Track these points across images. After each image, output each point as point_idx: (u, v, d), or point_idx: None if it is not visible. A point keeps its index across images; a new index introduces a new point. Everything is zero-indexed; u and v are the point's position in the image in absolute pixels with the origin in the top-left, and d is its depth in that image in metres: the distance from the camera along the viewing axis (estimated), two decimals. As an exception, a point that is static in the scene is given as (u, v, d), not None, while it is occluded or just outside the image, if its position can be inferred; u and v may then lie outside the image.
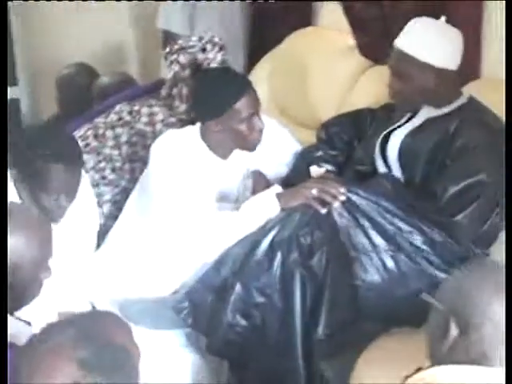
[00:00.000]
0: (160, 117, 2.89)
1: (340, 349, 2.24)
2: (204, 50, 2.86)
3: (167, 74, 2.93)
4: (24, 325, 1.72)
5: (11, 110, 4.13)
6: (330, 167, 2.65)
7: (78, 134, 2.92)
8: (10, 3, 4.01)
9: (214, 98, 2.39)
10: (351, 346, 2.25)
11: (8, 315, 1.68)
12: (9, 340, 1.61)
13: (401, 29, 2.80)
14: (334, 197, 2.26)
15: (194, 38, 2.92)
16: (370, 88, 3.18)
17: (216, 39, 2.90)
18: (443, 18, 2.47)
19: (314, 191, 2.28)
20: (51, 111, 3.74)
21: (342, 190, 2.27)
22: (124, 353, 1.29)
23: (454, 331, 1.46)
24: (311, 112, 3.37)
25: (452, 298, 1.51)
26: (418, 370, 1.49)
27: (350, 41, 3.31)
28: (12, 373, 1.29)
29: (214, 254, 2.34)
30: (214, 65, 2.84)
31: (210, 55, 2.85)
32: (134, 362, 1.31)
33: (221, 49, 2.88)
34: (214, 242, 2.33)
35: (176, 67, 2.86)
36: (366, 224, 2.26)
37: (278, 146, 2.67)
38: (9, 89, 4.17)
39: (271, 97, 3.63)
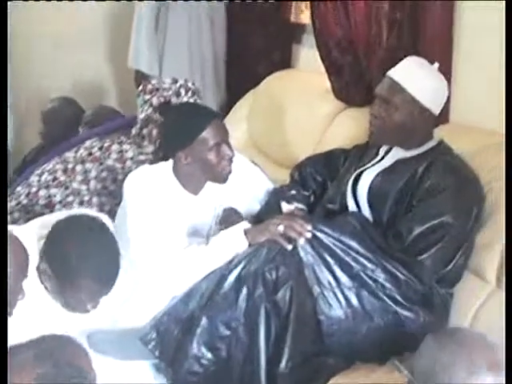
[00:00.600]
0: (130, 154, 2.98)
1: (303, 382, 2.30)
2: (178, 94, 2.97)
3: (139, 112, 3.03)
4: None
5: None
6: (300, 206, 2.76)
7: (46, 167, 3.01)
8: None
9: (181, 129, 2.49)
10: (314, 380, 2.31)
11: None
12: None
13: (374, 74, 2.95)
14: (300, 234, 2.33)
15: (168, 81, 3.03)
16: (344, 129, 3.30)
17: (189, 84, 3.01)
18: (436, 65, 2.60)
19: (281, 227, 2.36)
20: (32, 145, 3.82)
21: (308, 227, 2.34)
22: (82, 374, 1.39)
23: None
24: (288, 151, 3.48)
25: (425, 371, 1.55)
26: None
27: (327, 83, 3.44)
28: None
29: (182, 288, 2.41)
30: None
31: (185, 99, 2.97)
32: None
33: (194, 94, 2.99)
34: (183, 276, 2.41)
35: (149, 110, 2.96)
36: (331, 261, 2.33)
37: (250, 183, 2.77)
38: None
39: (249, 136, 3.75)
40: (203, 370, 2.33)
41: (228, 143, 2.54)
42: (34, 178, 3.01)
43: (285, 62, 3.87)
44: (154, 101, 2.97)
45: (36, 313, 2.28)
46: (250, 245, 2.39)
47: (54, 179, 2.95)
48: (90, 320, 2.50)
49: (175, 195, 2.55)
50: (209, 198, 2.63)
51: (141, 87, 3.04)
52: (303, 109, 3.47)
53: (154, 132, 2.97)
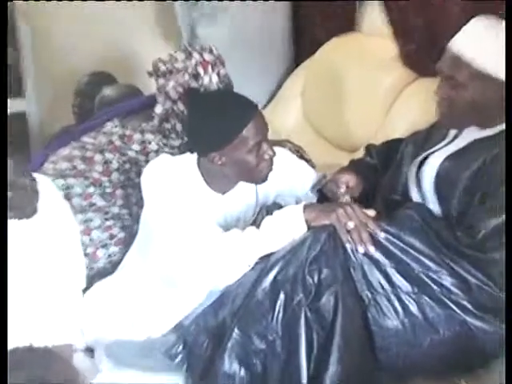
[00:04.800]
0: (154, 147, 2.92)
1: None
2: (197, 76, 2.85)
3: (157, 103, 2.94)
4: None
5: (18, 123, 4.29)
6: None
7: (62, 152, 2.98)
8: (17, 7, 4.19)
9: (217, 126, 2.37)
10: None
11: None
12: None
13: (450, 36, 2.83)
14: (371, 239, 2.24)
15: (181, 56, 2.88)
16: (415, 103, 3.19)
17: (206, 56, 2.87)
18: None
19: (351, 224, 2.25)
20: (59, 123, 3.83)
21: (382, 234, 2.25)
22: None
23: None
24: (346, 131, 3.40)
25: None
26: None
27: (394, 50, 3.33)
28: None
29: (222, 281, 2.35)
30: (212, 87, 2.84)
31: (205, 80, 2.85)
32: None
33: (215, 65, 2.87)
34: (224, 264, 2.33)
35: (167, 103, 2.87)
36: (386, 261, 2.24)
37: (291, 180, 2.67)
38: (15, 101, 4.35)
39: (304, 113, 3.67)
40: (236, 389, 2.29)
41: (268, 140, 2.44)
42: (48, 166, 2.97)
43: (347, 24, 3.76)
44: (171, 92, 2.86)
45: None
46: (309, 228, 2.29)
47: (73, 168, 2.92)
48: (106, 329, 2.50)
49: (198, 192, 2.47)
50: (239, 196, 2.55)
51: (151, 68, 2.95)
52: (365, 80, 3.37)
53: (178, 127, 2.88)
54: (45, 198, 2.38)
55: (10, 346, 1.42)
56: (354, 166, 2.73)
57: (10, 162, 2.23)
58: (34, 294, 2.35)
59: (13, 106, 4.32)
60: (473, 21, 2.48)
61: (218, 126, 2.37)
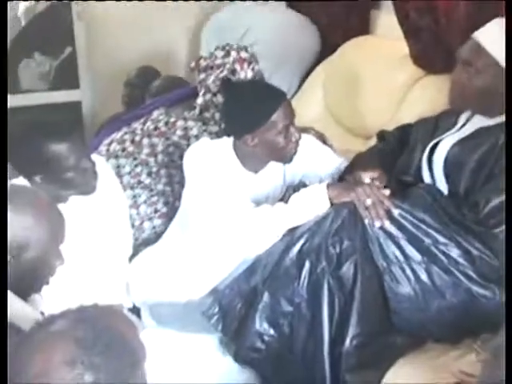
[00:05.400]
0: (194, 132, 2.89)
1: (368, 361, 2.16)
2: (234, 71, 2.82)
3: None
4: (35, 313, 1.74)
5: (74, 112, 4.26)
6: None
7: (115, 136, 2.96)
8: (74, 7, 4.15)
9: (250, 112, 2.34)
10: (380, 360, 2.17)
11: (20, 300, 1.70)
12: (16, 325, 1.64)
13: (454, 37, 2.74)
14: (386, 215, 2.17)
15: (220, 53, 2.87)
16: (424, 97, 3.11)
17: (243, 54, 2.84)
18: None
19: (369, 201, 2.18)
20: (111, 112, 3.79)
21: (396, 210, 2.18)
22: (123, 340, 1.31)
23: None
24: (364, 121, 3.32)
25: None
26: None
27: (405, 50, 3.25)
28: (14, 357, 1.30)
29: (254, 250, 2.30)
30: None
31: (241, 75, 2.82)
32: (134, 353, 1.32)
33: (250, 64, 2.83)
34: (256, 235, 2.29)
35: (207, 95, 2.84)
36: (399, 234, 2.17)
37: (316, 162, 2.60)
38: (71, 91, 4.31)
39: (325, 105, 3.61)
40: (265, 346, 2.23)
41: (295, 125, 2.41)
42: (102, 148, 2.97)
43: (362, 28, 3.68)
44: (211, 85, 2.84)
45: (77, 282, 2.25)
46: (331, 204, 2.23)
47: (123, 149, 2.91)
48: (150, 291, 2.46)
49: (234, 172, 2.43)
50: (269, 176, 2.50)
51: (193, 64, 2.93)
52: (380, 76, 3.28)
53: (217, 116, 2.84)
54: (102, 178, 2.35)
55: (74, 304, 1.35)
56: (376, 156, 2.62)
57: (67, 147, 2.21)
58: (90, 260, 2.32)
59: (69, 96, 4.30)
60: (498, 19, 2.43)
61: (250, 111, 2.35)
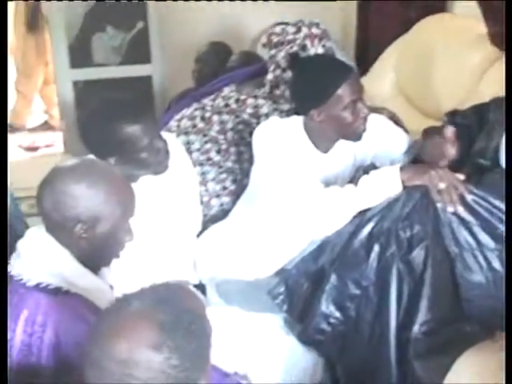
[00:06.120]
0: (265, 110, 2.86)
1: (437, 349, 2.09)
2: (304, 47, 2.77)
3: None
4: (105, 287, 1.75)
5: (144, 87, 4.27)
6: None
7: (186, 112, 2.94)
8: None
9: (315, 86, 2.28)
10: (450, 349, 2.10)
11: (91, 274, 1.71)
12: (90, 300, 1.64)
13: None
14: (459, 200, 2.11)
15: (291, 30, 2.83)
16: (500, 80, 3.01)
17: (314, 30, 2.79)
18: None
19: (442, 185, 2.11)
20: (181, 88, 3.79)
21: (469, 196, 2.11)
22: (200, 320, 1.32)
23: None
24: (437, 102, 3.24)
25: None
26: None
27: (481, 29, 3.14)
28: (93, 337, 1.30)
29: (323, 231, 2.25)
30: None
31: (312, 51, 2.77)
32: (207, 332, 1.33)
33: (321, 40, 2.78)
34: (325, 216, 2.23)
35: (277, 71, 2.80)
36: (472, 220, 2.11)
37: (387, 142, 2.52)
38: (142, 66, 4.33)
39: (398, 85, 3.53)
40: (331, 328, 2.20)
41: (363, 101, 2.33)
42: (173, 124, 2.96)
43: (439, 5, 3.58)
44: (281, 61, 2.80)
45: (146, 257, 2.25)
46: (403, 187, 2.16)
47: (194, 126, 2.89)
48: (217, 268, 2.45)
49: (304, 152, 2.37)
50: (339, 156, 2.45)
51: (265, 40, 2.89)
52: (456, 55, 3.19)
53: (287, 93, 2.79)
54: (173, 156, 2.33)
55: (147, 283, 1.35)
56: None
57: (140, 128, 2.18)
58: (158, 237, 2.32)
59: (141, 70, 4.32)
60: None
61: (316, 85, 2.29)
